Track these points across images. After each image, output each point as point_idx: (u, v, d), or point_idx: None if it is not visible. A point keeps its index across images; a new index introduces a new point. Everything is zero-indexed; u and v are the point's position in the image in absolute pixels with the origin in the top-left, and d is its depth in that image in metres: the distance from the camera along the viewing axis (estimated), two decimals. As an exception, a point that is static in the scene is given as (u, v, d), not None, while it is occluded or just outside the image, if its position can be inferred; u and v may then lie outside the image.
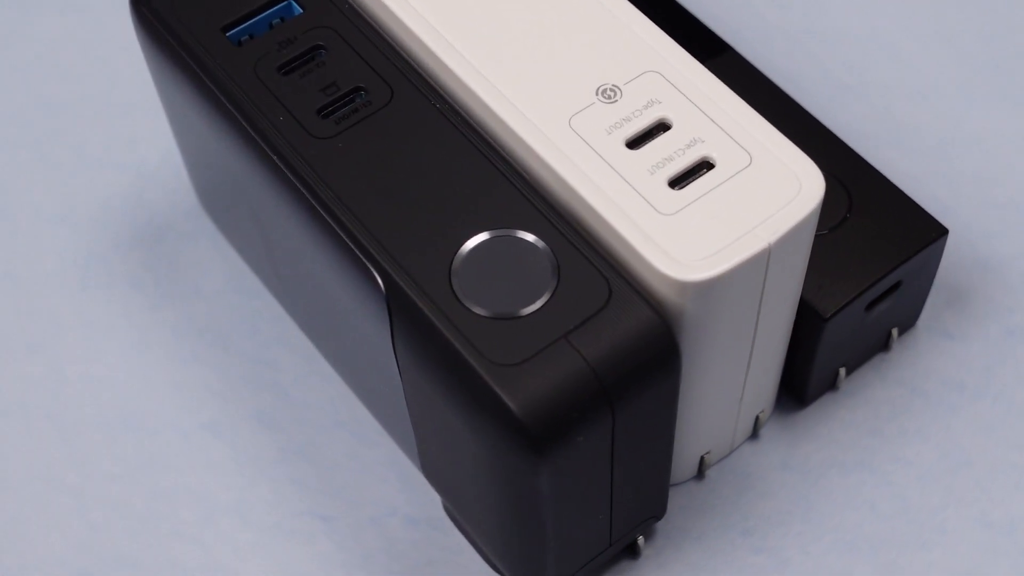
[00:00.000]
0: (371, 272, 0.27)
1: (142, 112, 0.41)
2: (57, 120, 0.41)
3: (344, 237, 0.28)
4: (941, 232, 0.33)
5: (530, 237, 0.27)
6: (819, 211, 0.28)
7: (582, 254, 0.27)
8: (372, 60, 0.30)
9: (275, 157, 0.29)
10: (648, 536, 0.33)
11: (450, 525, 0.33)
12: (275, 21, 0.31)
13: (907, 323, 0.35)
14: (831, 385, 0.35)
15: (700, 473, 0.34)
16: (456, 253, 0.27)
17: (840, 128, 0.39)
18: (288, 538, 0.33)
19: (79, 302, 0.37)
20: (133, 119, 0.41)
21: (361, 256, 0.27)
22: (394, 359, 0.28)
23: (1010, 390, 0.35)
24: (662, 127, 0.29)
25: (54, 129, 0.41)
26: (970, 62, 0.41)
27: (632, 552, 0.33)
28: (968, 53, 0.41)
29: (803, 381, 0.34)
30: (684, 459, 0.33)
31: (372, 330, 0.28)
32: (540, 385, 0.26)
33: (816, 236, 0.30)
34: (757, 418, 0.34)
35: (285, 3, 0.31)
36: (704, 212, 0.28)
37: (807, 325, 0.32)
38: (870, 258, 0.32)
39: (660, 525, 0.33)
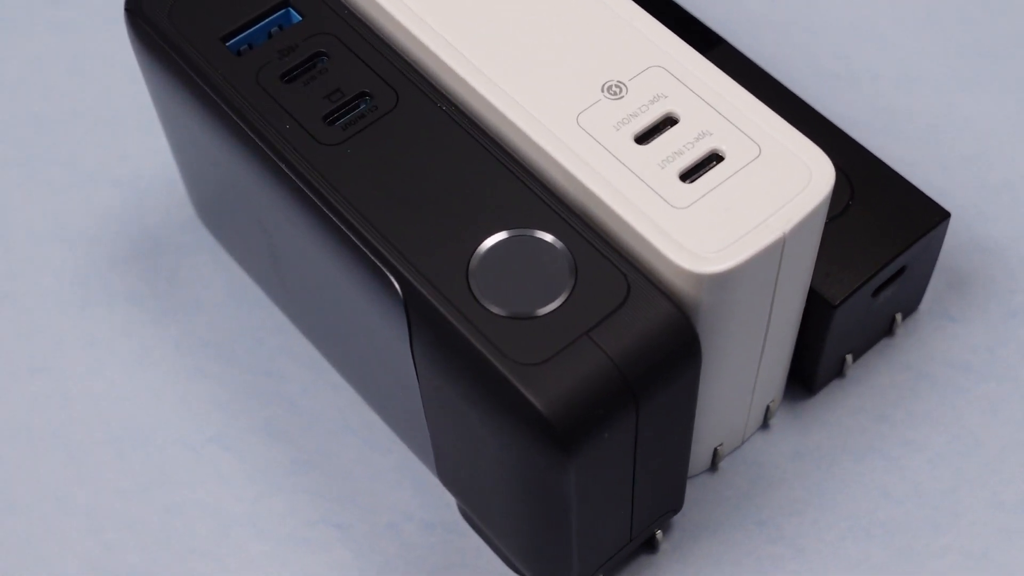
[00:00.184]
0: (388, 277, 0.27)
1: (133, 126, 0.40)
2: (47, 137, 0.40)
3: (358, 243, 0.28)
4: (943, 216, 0.33)
5: (546, 235, 0.27)
6: (830, 199, 0.28)
7: (598, 250, 0.27)
8: (375, 65, 0.30)
9: (283, 166, 0.29)
10: (665, 530, 0.33)
11: (467, 528, 0.33)
12: (273, 29, 0.31)
13: (910, 307, 0.36)
14: (838, 372, 0.35)
15: (713, 465, 0.34)
16: (472, 254, 0.27)
17: (831, 117, 0.39)
18: (305, 548, 0.33)
19: (79, 320, 0.37)
20: (124, 133, 0.40)
21: (377, 261, 0.27)
22: (412, 363, 0.28)
23: (1014, 370, 0.35)
24: (669, 121, 0.29)
25: (44, 146, 0.40)
26: (956, 46, 0.42)
27: (651, 546, 0.33)
28: (953, 38, 0.42)
29: (811, 369, 0.34)
30: (698, 452, 0.33)
31: (389, 335, 0.28)
32: (565, 383, 0.26)
33: (822, 224, 0.31)
34: (767, 408, 0.34)
35: (283, 11, 0.31)
36: (717, 204, 0.28)
37: (816, 313, 0.32)
38: (875, 244, 0.33)
39: (676, 519, 0.33)
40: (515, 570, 0.33)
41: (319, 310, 0.33)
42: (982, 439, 0.34)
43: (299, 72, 0.30)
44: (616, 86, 0.29)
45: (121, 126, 0.40)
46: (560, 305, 0.26)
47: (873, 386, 0.35)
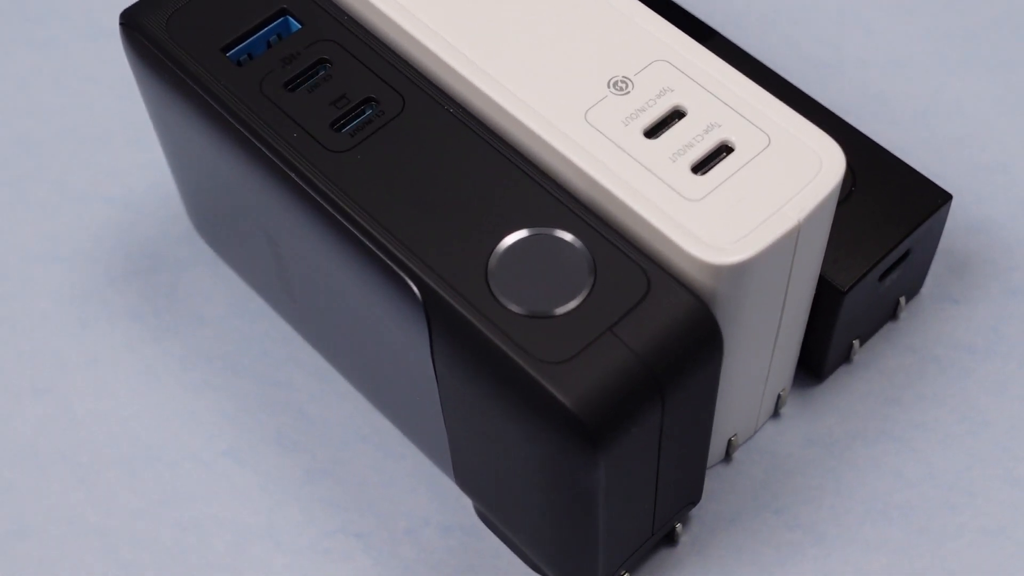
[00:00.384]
0: (406, 281, 0.27)
1: (122, 142, 0.40)
2: (35, 157, 0.40)
3: (374, 248, 0.27)
4: (946, 197, 0.33)
5: (563, 233, 0.27)
6: (841, 185, 0.28)
7: (615, 246, 0.27)
8: (379, 70, 0.30)
9: (293, 175, 0.29)
10: (684, 523, 0.33)
11: (485, 530, 0.33)
12: (272, 39, 0.31)
13: (913, 291, 0.36)
14: (846, 358, 0.35)
15: (728, 456, 0.34)
16: (491, 254, 0.27)
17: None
18: (324, 558, 0.33)
19: (80, 339, 0.37)
20: (114, 149, 0.40)
21: (394, 265, 0.27)
22: (431, 367, 0.28)
23: (1019, 348, 0.36)
24: (677, 115, 0.29)
25: (33, 166, 0.40)
26: (940, 30, 0.42)
27: (670, 540, 0.33)
28: (937, 21, 0.42)
29: (820, 356, 0.34)
30: (713, 443, 0.33)
31: (407, 339, 0.28)
32: (591, 379, 0.26)
33: (828, 212, 0.31)
34: (779, 397, 0.34)
35: (282, 19, 0.31)
36: (730, 195, 0.28)
37: (825, 300, 0.32)
38: (880, 229, 0.33)
39: (694, 511, 0.33)
40: (537, 570, 0.33)
41: (329, 318, 0.32)
42: (991, 417, 0.35)
43: (303, 80, 0.30)
44: (622, 81, 0.29)
45: (110, 142, 0.40)
46: (581, 302, 0.26)
47: (881, 370, 0.35)
